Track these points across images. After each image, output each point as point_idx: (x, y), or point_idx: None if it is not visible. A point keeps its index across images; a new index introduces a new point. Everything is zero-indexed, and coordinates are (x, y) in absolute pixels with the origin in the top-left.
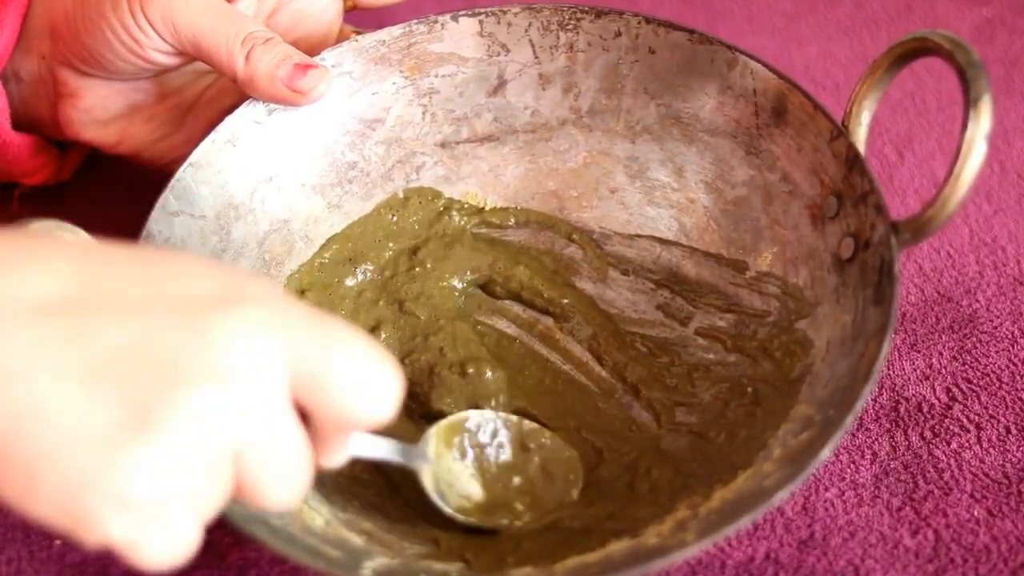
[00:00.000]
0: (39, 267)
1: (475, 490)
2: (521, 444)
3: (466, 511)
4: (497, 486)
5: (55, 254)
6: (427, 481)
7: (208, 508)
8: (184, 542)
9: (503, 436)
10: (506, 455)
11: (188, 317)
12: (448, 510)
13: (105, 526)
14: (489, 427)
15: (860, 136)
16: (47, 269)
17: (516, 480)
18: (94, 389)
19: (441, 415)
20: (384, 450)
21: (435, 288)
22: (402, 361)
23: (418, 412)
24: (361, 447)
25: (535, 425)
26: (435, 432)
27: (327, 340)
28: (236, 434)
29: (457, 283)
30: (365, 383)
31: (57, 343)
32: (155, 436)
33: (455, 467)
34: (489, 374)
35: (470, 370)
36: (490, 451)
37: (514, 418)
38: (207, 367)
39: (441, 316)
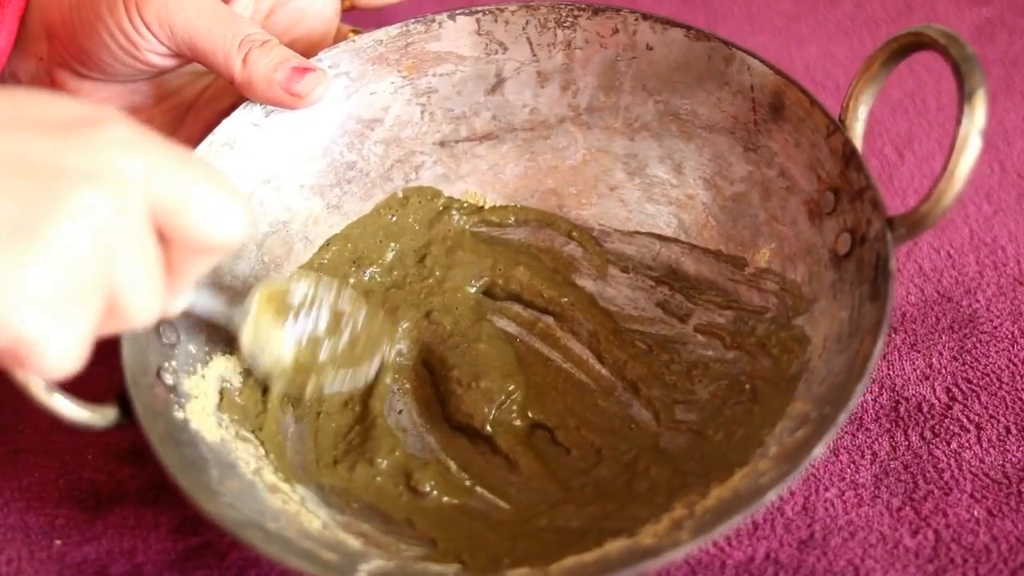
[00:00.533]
0: None
1: (286, 355)
2: (336, 316)
3: (275, 375)
4: (307, 355)
5: None
6: (243, 338)
7: (91, 316)
8: (79, 344)
9: (324, 307)
10: (322, 326)
11: (57, 132)
12: (260, 371)
13: (13, 322)
14: (311, 297)
15: (857, 132)
16: None
17: (325, 349)
18: None
19: (461, 425)
20: (214, 306)
21: (454, 298)
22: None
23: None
24: (197, 299)
25: (354, 295)
26: (258, 294)
27: (184, 165)
28: (108, 236)
29: (470, 290)
30: (217, 207)
31: None
32: (46, 232)
33: (273, 333)
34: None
35: (482, 384)
36: (308, 321)
37: (334, 287)
38: (82, 170)
39: (464, 326)
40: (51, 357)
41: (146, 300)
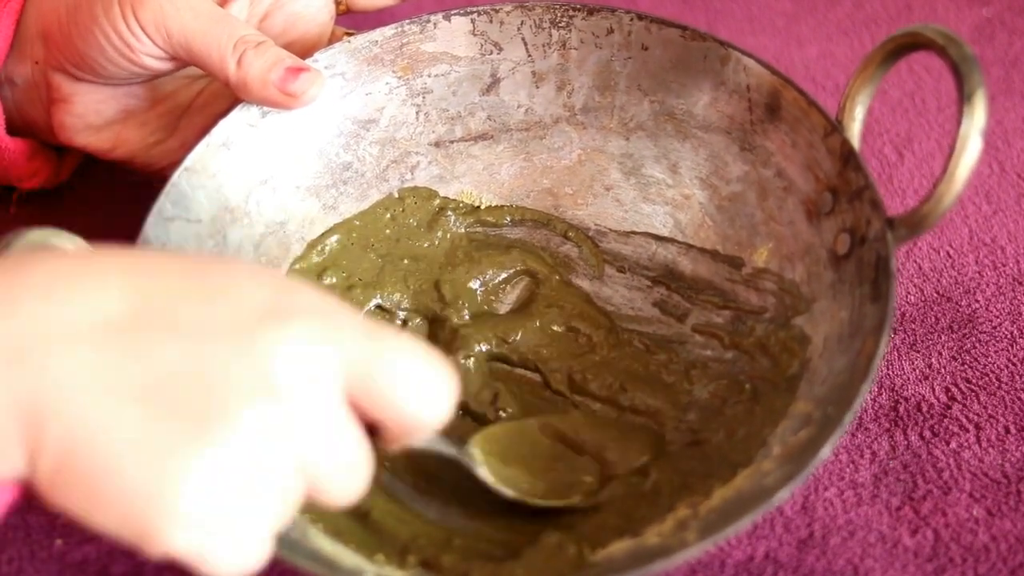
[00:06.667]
0: (93, 286)
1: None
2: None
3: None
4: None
5: (107, 273)
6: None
7: (277, 519)
8: (252, 554)
9: None
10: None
11: (239, 336)
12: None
13: (166, 539)
14: None
15: (854, 132)
16: (101, 288)
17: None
18: (149, 409)
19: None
20: (441, 444)
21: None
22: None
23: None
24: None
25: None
26: (477, 444)
27: (379, 348)
28: (295, 447)
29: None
30: (421, 389)
31: (112, 364)
32: (209, 451)
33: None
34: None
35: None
36: None
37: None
38: (259, 384)
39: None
40: (214, 571)
41: (354, 482)
